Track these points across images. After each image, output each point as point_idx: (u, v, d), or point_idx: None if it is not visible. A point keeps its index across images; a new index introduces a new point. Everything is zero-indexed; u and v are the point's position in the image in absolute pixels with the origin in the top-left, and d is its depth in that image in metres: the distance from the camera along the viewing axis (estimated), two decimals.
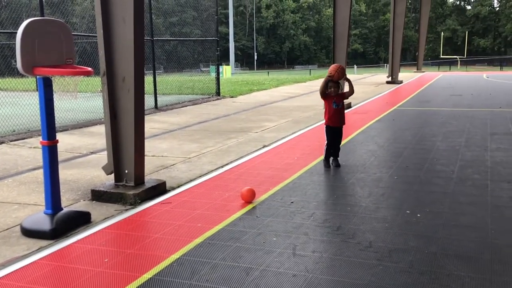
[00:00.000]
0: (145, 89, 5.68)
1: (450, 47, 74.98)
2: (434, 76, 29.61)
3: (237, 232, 4.36)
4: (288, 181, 6.02)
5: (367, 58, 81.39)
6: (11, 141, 8.87)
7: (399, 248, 3.99)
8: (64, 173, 6.75)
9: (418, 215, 4.77)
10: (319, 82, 25.56)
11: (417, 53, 36.97)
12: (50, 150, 4.41)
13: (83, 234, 4.40)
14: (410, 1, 70.45)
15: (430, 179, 6.12)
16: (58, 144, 4.62)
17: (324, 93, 6.75)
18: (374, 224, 4.55)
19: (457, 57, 58.77)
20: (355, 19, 78.63)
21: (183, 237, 4.25)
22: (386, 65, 48.03)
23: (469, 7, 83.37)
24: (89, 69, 4.35)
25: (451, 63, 56.20)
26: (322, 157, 7.01)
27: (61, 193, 5.69)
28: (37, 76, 4.23)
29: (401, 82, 23.35)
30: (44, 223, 4.28)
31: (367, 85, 22.81)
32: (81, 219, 4.61)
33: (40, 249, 4.08)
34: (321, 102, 14.51)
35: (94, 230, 4.49)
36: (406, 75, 28.22)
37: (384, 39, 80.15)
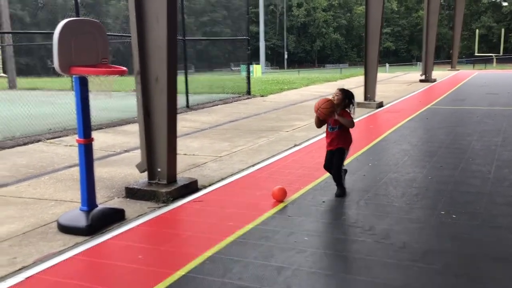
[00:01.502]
0: (177, 88, 5.74)
1: (485, 45, 73.07)
2: (468, 74, 28.90)
3: (269, 231, 4.36)
4: (319, 181, 5.99)
5: (399, 56, 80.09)
6: (47, 139, 9.09)
7: (434, 249, 3.91)
8: (99, 170, 6.88)
9: (454, 216, 4.67)
10: (351, 81, 25.18)
11: (451, 51, 36.17)
12: (86, 148, 4.50)
13: (117, 230, 4.47)
14: None
15: (465, 179, 5.98)
16: (93, 142, 4.71)
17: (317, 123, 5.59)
18: (407, 224, 4.48)
19: (493, 55, 57.23)
20: (387, 17, 77.52)
21: (215, 235, 4.27)
22: (419, 63, 47.18)
23: (505, 4, 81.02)
24: (124, 68, 4.42)
25: (486, 61, 54.73)
26: (355, 155, 6.94)
27: (96, 190, 5.85)
28: (74, 76, 4.32)
29: (434, 80, 22.90)
30: (80, 219, 4.38)
31: (399, 83, 22.46)
32: (115, 216, 4.69)
33: (76, 245, 4.17)
34: None
35: (128, 227, 4.57)
36: (440, 73, 27.63)
37: (417, 37, 78.67)
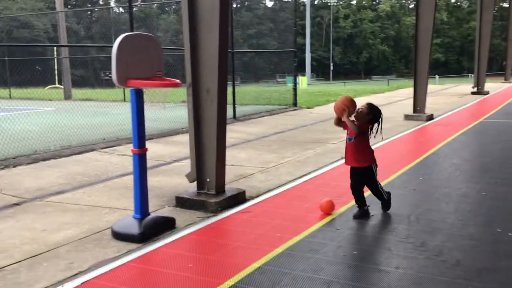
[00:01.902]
0: None
1: None
2: None
3: (317, 244, 4.35)
4: (368, 194, 5.90)
5: (449, 68, 78.06)
6: (101, 148, 9.42)
7: (489, 268, 3.78)
8: (150, 180, 6.99)
9: (510, 233, 4.50)
10: (399, 93, 24.71)
11: (504, 63, 34.95)
12: (140, 157, 4.65)
13: (168, 239, 4.58)
14: (496, 8, 66.96)
15: None
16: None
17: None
18: (461, 241, 4.36)
19: None
20: (437, 28, 75.76)
21: (263, 247, 4.30)
22: (470, 75, 45.81)
23: None
24: (177, 81, 4.56)
25: None
26: (405, 169, 6.81)
27: (148, 198, 6.02)
28: (130, 88, 4.49)
29: (487, 93, 22.17)
30: (133, 227, 4.51)
31: (449, 95, 21.90)
32: (166, 225, 4.81)
33: (129, 252, 4.30)
34: (400, 114, 14.16)
35: (178, 235, 4.66)
36: (493, 86, 26.73)
37: (468, 48, 76.52)
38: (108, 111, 13.56)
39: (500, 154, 8.40)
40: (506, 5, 62.84)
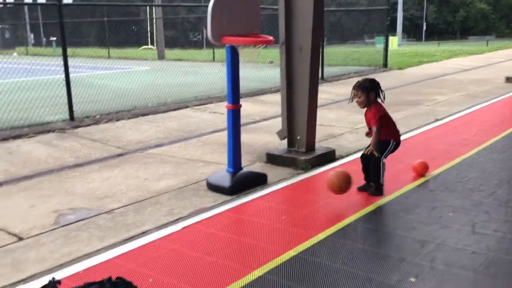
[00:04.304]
0: None
1: None
2: None
3: (410, 205, 4.30)
4: (464, 157, 5.69)
5: None
6: (194, 106, 9.80)
7: None
8: (241, 136, 7.27)
9: None
10: (499, 54, 23.04)
11: None
12: (234, 113, 4.80)
13: (261, 192, 4.74)
14: None
15: None
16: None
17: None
18: None
19: None
20: None
21: (355, 204, 4.33)
22: None
23: None
24: (271, 38, 4.59)
25: None
26: (507, 132, 6.42)
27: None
28: (226, 45, 4.60)
29: None
30: (225, 180, 4.72)
31: None
32: (258, 180, 4.97)
33: (224, 202, 4.52)
34: (501, 76, 13.23)
35: (270, 190, 4.81)
36: None
37: None
38: (199, 71, 13.97)
39: None
40: None
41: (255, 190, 4.82)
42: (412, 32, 76.19)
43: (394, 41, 36.91)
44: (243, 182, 4.83)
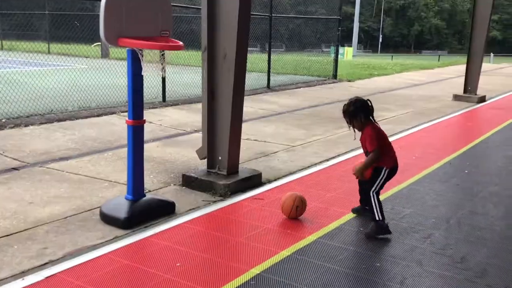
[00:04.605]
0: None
1: None
2: None
3: (333, 248, 3.64)
4: (402, 186, 5.12)
5: (506, 47, 73.75)
6: (121, 112, 8.90)
7: None
8: (163, 151, 6.50)
9: None
10: (450, 70, 23.15)
11: None
12: (135, 130, 4.02)
13: (163, 226, 3.97)
14: None
15: None
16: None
17: None
18: (509, 258, 3.56)
19: None
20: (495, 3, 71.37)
21: (269, 246, 3.63)
22: None
23: None
24: (180, 43, 3.86)
25: None
26: (449, 158, 5.95)
27: (155, 174, 5.44)
28: (126, 48, 3.82)
29: None
30: (121, 209, 3.93)
31: (505, 76, 20.30)
32: (164, 209, 4.20)
33: (114, 239, 3.72)
34: (449, 93, 13.01)
35: (174, 223, 4.05)
36: None
37: None
38: (153, 70, 12.99)
39: None
40: None
41: (158, 223, 4.05)
42: (369, 44, 77.40)
43: (349, 52, 37.00)
44: (144, 212, 4.05)
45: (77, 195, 4.66)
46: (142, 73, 3.83)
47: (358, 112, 3.89)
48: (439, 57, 44.29)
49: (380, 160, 3.85)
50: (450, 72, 21.15)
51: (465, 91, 12.47)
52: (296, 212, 4.15)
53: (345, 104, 4.02)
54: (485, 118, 10.21)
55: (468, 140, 7.58)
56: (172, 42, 3.95)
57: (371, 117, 3.95)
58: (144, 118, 4.13)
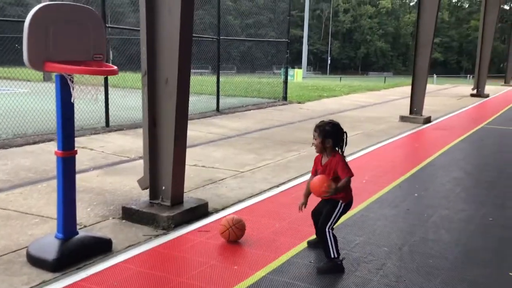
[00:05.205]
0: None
1: None
2: None
3: (283, 285, 3.41)
4: (352, 213, 4.97)
5: (448, 68, 77.17)
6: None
7: None
8: (104, 180, 6.12)
9: None
10: (395, 91, 23.73)
11: (503, 65, 34.16)
12: (66, 162, 3.68)
13: (96, 267, 3.62)
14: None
15: None
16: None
17: None
18: None
19: None
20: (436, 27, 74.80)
21: (214, 286, 3.35)
22: (469, 76, 44.90)
23: None
24: (114, 68, 3.58)
25: None
26: (397, 181, 5.89)
27: (92, 207, 5.06)
28: (54, 73, 3.51)
29: (487, 95, 21.30)
30: (49, 250, 3.55)
31: (448, 97, 21.00)
32: (98, 247, 3.84)
33: (41, 284, 3.34)
34: (395, 114, 13.22)
35: (111, 263, 3.70)
36: (492, 88, 25.84)
37: (467, 48, 75.63)
38: (85, 96, 12.48)
39: (506, 166, 7.49)
40: (506, 7, 62.08)
41: (93, 263, 3.69)
42: (318, 66, 79.07)
43: (299, 74, 37.53)
44: (76, 252, 3.68)
45: (3, 234, 4.22)
46: (72, 101, 3.50)
47: (330, 136, 3.70)
48: (385, 78, 45.69)
49: (339, 193, 3.65)
50: (396, 94, 21.68)
51: (411, 112, 12.71)
52: (235, 235, 4.10)
53: (323, 121, 3.82)
54: (431, 139, 10.37)
55: (416, 162, 7.60)
56: (106, 66, 3.67)
57: (340, 148, 3.74)
58: (75, 149, 3.79)
